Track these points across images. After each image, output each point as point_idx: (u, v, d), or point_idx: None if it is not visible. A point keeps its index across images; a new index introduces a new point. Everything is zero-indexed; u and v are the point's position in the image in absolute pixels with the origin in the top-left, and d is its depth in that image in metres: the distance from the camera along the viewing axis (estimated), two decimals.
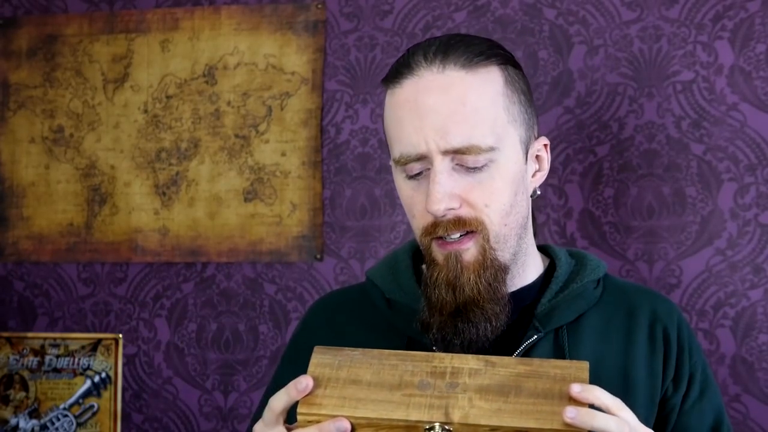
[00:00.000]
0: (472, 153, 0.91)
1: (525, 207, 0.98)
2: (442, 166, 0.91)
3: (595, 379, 0.94)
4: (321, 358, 0.87)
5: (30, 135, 1.91)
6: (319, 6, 1.80)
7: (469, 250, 0.93)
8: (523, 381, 0.82)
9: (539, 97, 1.69)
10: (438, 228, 0.92)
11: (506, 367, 0.84)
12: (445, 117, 0.91)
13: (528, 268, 1.02)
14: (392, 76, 0.97)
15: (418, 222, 0.95)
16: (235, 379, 1.80)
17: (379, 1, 1.78)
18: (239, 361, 1.80)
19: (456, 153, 0.91)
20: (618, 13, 1.67)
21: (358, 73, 1.78)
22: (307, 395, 0.83)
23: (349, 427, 0.81)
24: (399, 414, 0.81)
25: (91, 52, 1.89)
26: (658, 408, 0.99)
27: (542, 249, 1.08)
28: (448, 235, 0.92)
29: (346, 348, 0.88)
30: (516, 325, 0.98)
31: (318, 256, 1.77)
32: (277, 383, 1.08)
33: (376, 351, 0.87)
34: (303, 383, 0.83)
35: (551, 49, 1.70)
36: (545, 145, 1.04)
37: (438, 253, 0.94)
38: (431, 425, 0.80)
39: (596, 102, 1.67)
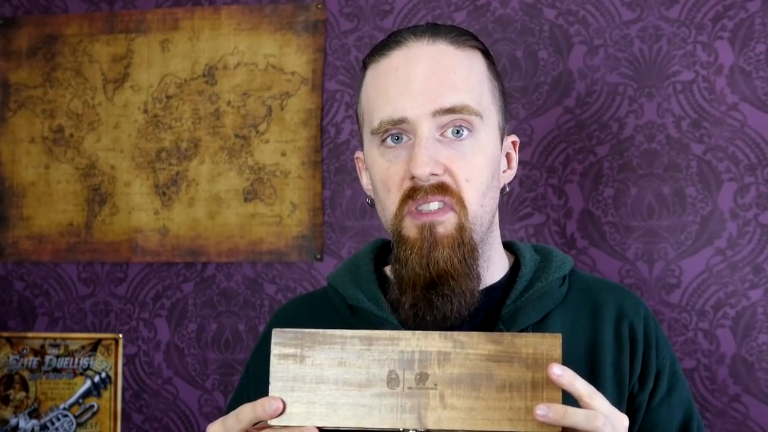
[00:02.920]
0: (464, 112, 0.91)
1: (497, 197, 0.98)
2: (428, 131, 0.90)
3: None
4: (282, 349, 0.83)
5: (30, 135, 1.91)
6: (319, 6, 1.80)
7: (445, 224, 0.91)
8: (494, 367, 0.80)
9: (539, 97, 1.69)
10: (418, 193, 0.90)
11: (475, 347, 0.81)
12: (435, 83, 0.91)
13: (494, 265, 1.00)
14: (377, 51, 0.96)
15: (394, 195, 0.93)
16: (235, 379, 1.80)
17: (379, 1, 1.78)
18: (239, 361, 1.80)
19: (446, 114, 0.90)
20: (618, 13, 1.67)
21: (358, 73, 1.78)
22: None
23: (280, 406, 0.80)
24: (372, 421, 0.80)
25: (91, 52, 1.89)
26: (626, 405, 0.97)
27: (507, 246, 1.06)
28: (426, 203, 0.90)
29: (306, 330, 0.83)
30: (481, 327, 0.96)
31: (318, 256, 1.77)
32: (241, 396, 1.07)
33: (337, 333, 0.83)
34: (273, 406, 0.80)
35: (551, 49, 1.70)
36: (514, 143, 1.04)
37: (411, 226, 0.91)
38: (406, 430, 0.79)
39: (596, 102, 1.67)
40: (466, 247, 0.91)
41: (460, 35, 0.96)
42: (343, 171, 1.78)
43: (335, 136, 1.79)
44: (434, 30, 0.95)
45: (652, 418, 0.98)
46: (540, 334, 0.81)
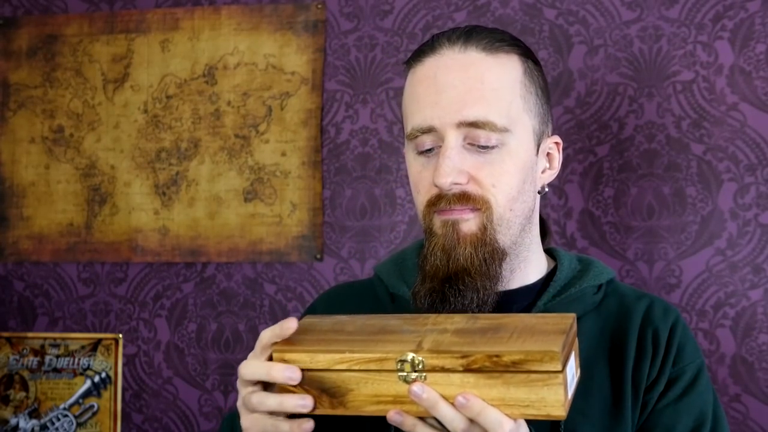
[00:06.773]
0: (487, 128, 0.92)
1: (532, 199, 0.99)
2: (454, 141, 0.93)
3: (585, 385, 0.94)
4: (311, 318, 0.93)
5: (30, 135, 1.91)
6: (319, 6, 1.80)
7: (468, 222, 0.93)
8: (505, 323, 0.84)
9: None
10: (441, 201, 0.93)
11: (490, 318, 0.86)
12: (462, 92, 0.93)
13: (529, 267, 1.01)
14: (414, 57, 0.99)
15: (423, 197, 0.96)
16: (235, 379, 1.80)
17: (379, 1, 1.78)
18: (239, 361, 1.80)
19: (470, 126, 0.92)
20: (618, 13, 1.67)
21: (358, 73, 1.78)
22: (289, 338, 0.85)
23: (298, 376, 0.82)
24: (370, 348, 0.82)
25: (91, 52, 1.89)
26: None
27: (549, 252, 1.08)
28: (449, 210, 0.93)
29: (337, 315, 0.92)
30: None
31: (318, 256, 1.77)
32: None
33: (363, 315, 0.91)
34: (288, 323, 0.84)
35: (551, 49, 1.70)
36: (557, 144, 1.05)
37: (437, 221, 0.95)
38: (403, 356, 0.80)
39: (596, 102, 1.67)
40: (488, 247, 0.93)
41: (493, 40, 0.96)
42: (343, 171, 1.78)
43: (335, 136, 1.79)
44: (468, 35, 0.96)
45: (654, 419, 0.97)
46: (556, 315, 0.85)
